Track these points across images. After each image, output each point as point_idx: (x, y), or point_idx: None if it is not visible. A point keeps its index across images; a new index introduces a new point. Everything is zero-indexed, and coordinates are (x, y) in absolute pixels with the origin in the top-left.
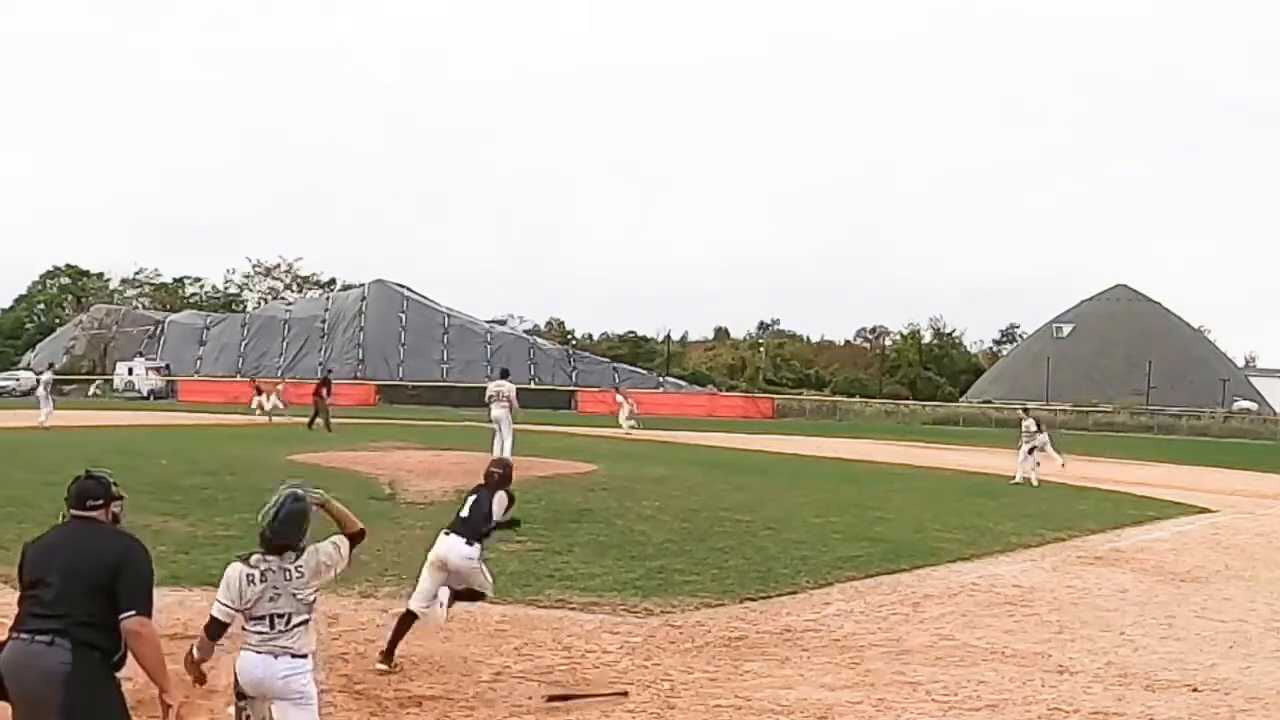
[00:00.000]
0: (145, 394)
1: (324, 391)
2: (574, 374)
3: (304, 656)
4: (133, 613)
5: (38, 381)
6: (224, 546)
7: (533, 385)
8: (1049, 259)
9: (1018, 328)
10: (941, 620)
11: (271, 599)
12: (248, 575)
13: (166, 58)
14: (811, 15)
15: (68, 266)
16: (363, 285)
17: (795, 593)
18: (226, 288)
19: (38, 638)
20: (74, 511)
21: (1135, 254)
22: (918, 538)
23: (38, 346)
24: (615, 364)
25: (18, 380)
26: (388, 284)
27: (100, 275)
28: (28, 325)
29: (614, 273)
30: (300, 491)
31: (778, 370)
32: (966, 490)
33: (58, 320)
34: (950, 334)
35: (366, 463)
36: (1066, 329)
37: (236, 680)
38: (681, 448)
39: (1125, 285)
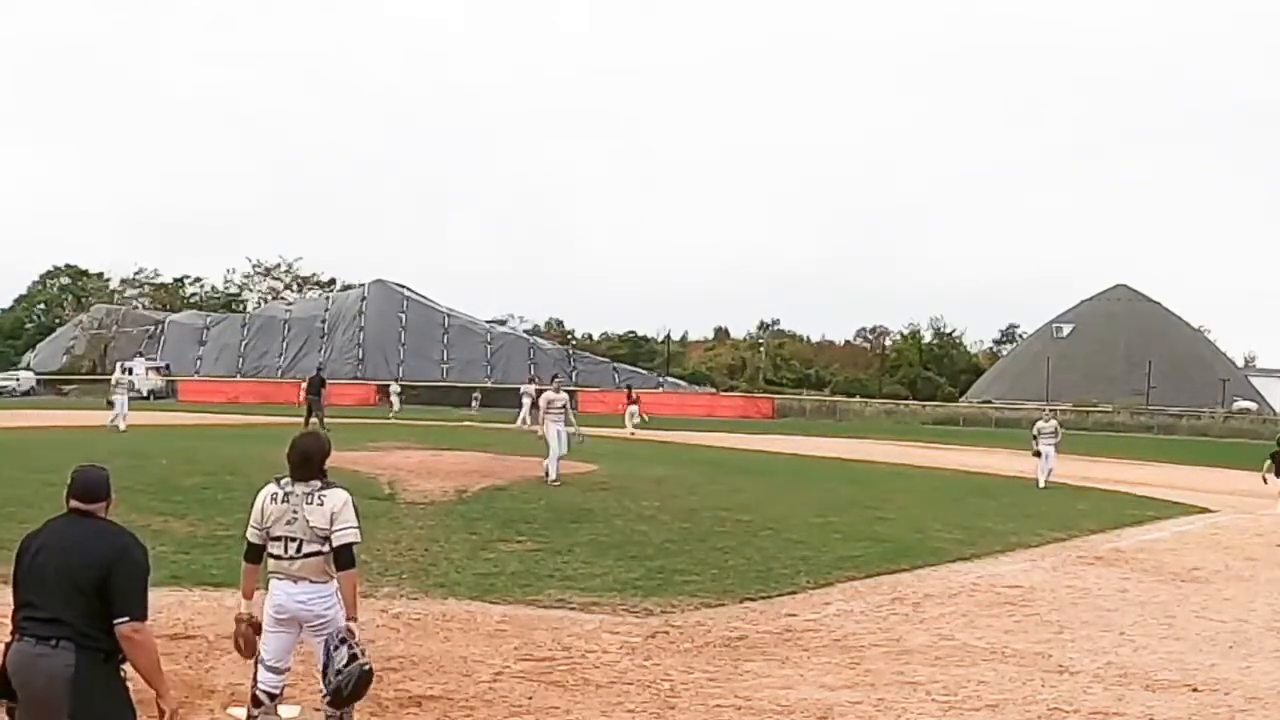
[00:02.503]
0: (145, 394)
1: (318, 391)
2: (574, 374)
3: (322, 582)
4: (125, 618)
5: (118, 383)
6: (224, 546)
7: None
8: (1049, 259)
9: (1018, 328)
10: (941, 620)
11: (289, 522)
12: (272, 494)
13: (166, 58)
14: (811, 15)
15: (68, 266)
16: (363, 285)
17: (795, 593)
18: (226, 288)
19: (40, 641)
20: (74, 504)
21: (1135, 254)
22: (918, 538)
23: (38, 346)
24: (615, 364)
25: (18, 380)
26: (388, 284)
27: (100, 275)
28: (28, 325)
29: (614, 273)
30: (322, 434)
31: (778, 370)
32: (966, 490)
33: (58, 320)
34: (950, 334)
35: (366, 463)
36: (1066, 329)
37: (253, 687)
38: (681, 448)
39: (1125, 285)
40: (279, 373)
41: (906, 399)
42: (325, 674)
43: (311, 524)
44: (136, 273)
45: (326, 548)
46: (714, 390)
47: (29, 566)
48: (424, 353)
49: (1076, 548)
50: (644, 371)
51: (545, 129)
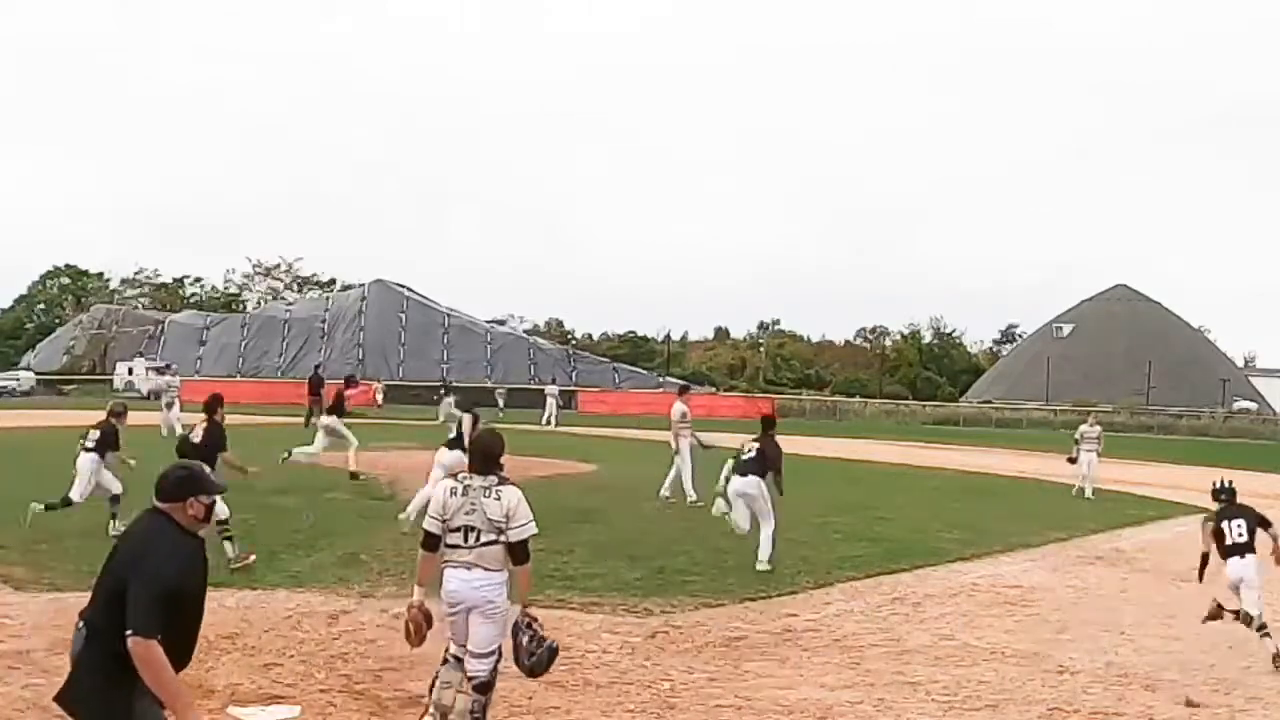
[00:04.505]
0: (145, 394)
1: (318, 391)
2: (574, 374)
3: (494, 571)
4: (129, 631)
5: (166, 386)
6: (224, 547)
7: (533, 385)
8: (1049, 259)
9: (1017, 328)
10: (941, 620)
11: (468, 513)
12: (452, 488)
13: (166, 58)
14: (811, 17)
15: (68, 266)
16: (363, 285)
17: (795, 593)
18: (226, 288)
19: (79, 621)
20: (154, 500)
21: (1135, 254)
22: (918, 538)
23: (38, 346)
24: (615, 364)
25: (18, 380)
26: (388, 284)
27: (100, 275)
28: (28, 325)
29: (614, 273)
30: (496, 432)
31: (778, 370)
32: (966, 490)
33: (58, 320)
34: (950, 334)
35: (366, 463)
36: (1066, 329)
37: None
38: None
39: (1125, 285)
40: (279, 373)
41: (906, 399)
42: (517, 658)
43: (489, 516)
44: (136, 273)
45: (501, 538)
46: (714, 390)
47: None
48: (424, 353)
49: (1076, 548)
50: (644, 371)
51: (545, 129)
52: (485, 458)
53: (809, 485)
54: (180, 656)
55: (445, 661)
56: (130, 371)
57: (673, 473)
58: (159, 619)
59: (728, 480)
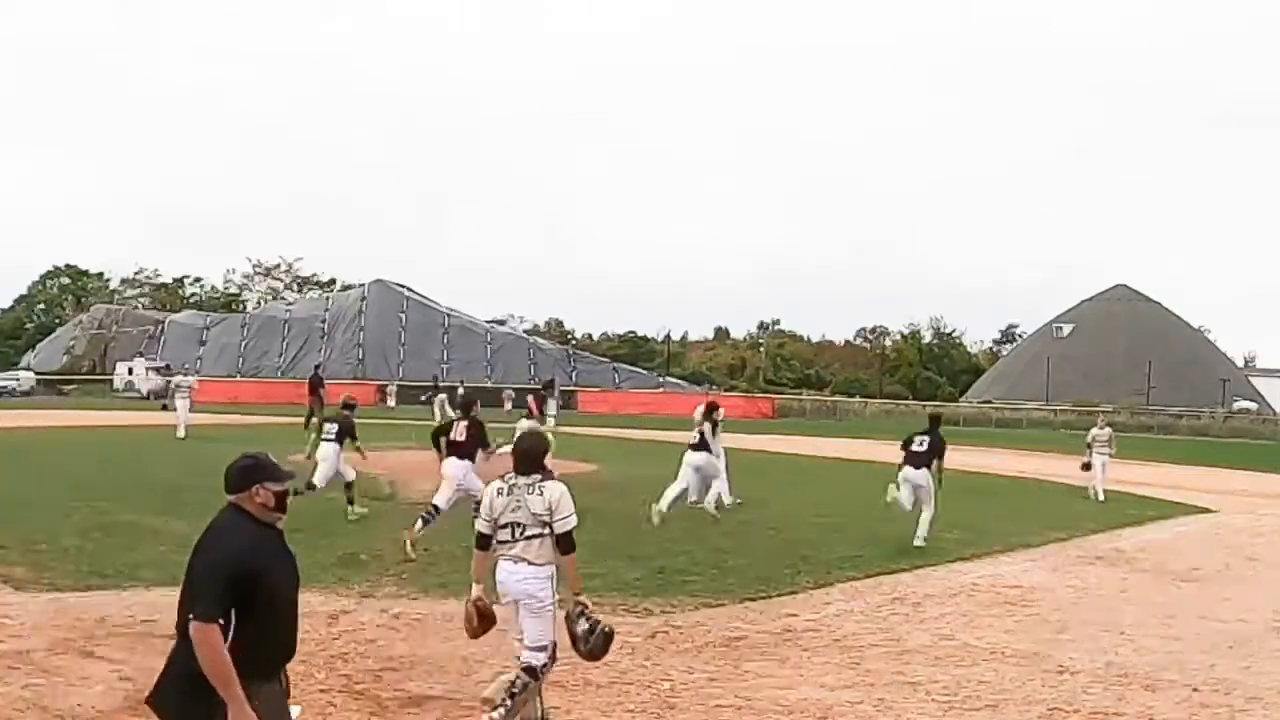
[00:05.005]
0: (145, 394)
1: (320, 390)
2: (574, 374)
3: (540, 565)
4: (190, 616)
5: (178, 387)
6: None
7: (532, 385)
8: (1049, 259)
9: (1017, 328)
10: (941, 620)
11: (514, 510)
12: (499, 489)
13: (166, 58)
14: (811, 17)
15: (68, 266)
16: (363, 285)
17: (795, 593)
18: (226, 288)
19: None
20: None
21: (1135, 254)
22: None
23: (38, 346)
24: (615, 364)
25: (18, 380)
26: (388, 284)
27: (100, 275)
28: (28, 325)
29: (614, 273)
30: (538, 431)
31: (778, 370)
32: (966, 490)
33: (58, 320)
34: (950, 334)
35: (366, 463)
36: (1066, 329)
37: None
38: (682, 447)
39: (1125, 285)
40: (279, 373)
41: (906, 399)
42: (574, 643)
43: (532, 511)
44: (136, 273)
45: (546, 532)
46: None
47: None
48: (424, 353)
49: (1076, 548)
50: (644, 371)
51: (545, 129)
52: (528, 459)
53: (809, 485)
54: (279, 653)
55: (535, 677)
56: (130, 371)
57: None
58: (218, 602)
59: (900, 469)
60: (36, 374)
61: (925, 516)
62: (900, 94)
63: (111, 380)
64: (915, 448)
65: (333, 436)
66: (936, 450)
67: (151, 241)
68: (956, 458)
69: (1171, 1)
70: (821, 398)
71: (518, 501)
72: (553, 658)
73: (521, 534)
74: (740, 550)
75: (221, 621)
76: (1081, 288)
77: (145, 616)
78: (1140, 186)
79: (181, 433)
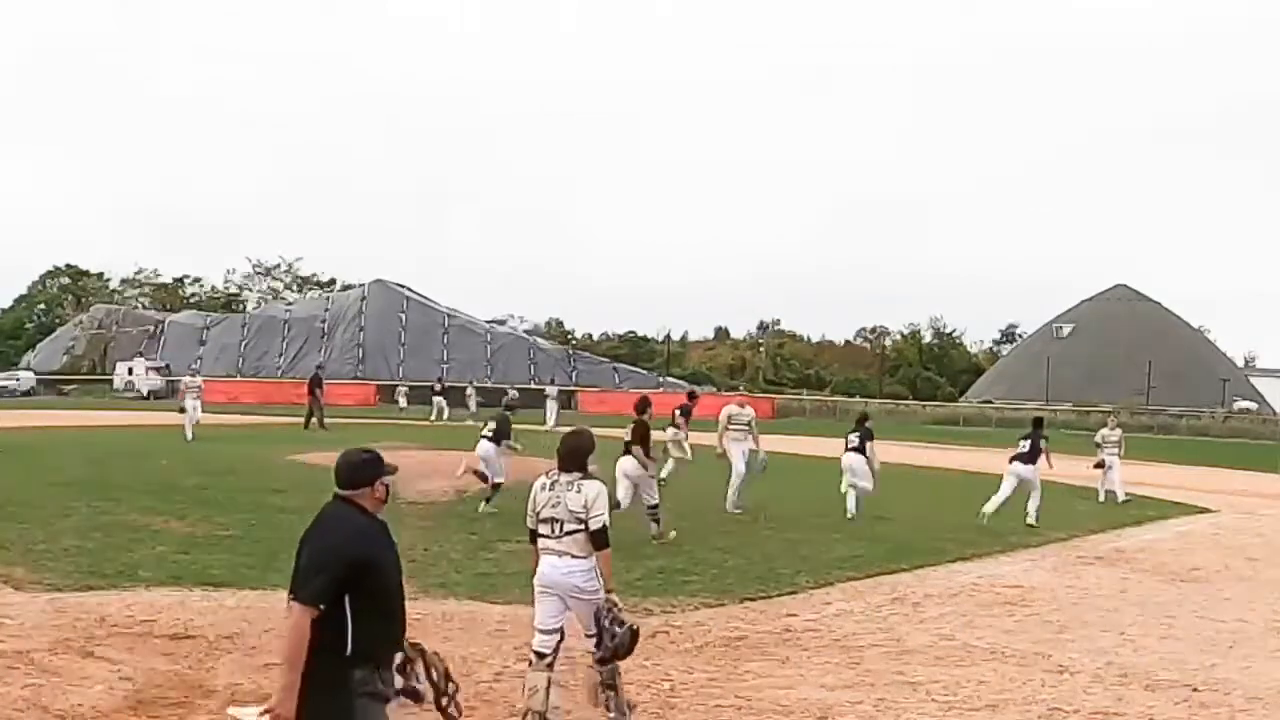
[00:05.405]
0: (145, 394)
1: (317, 390)
2: (574, 374)
3: (583, 558)
4: (291, 596)
5: (185, 386)
6: (224, 547)
7: (533, 385)
8: (1049, 259)
9: (1017, 328)
10: (941, 620)
11: (554, 505)
12: (542, 484)
13: (166, 58)
14: (811, 17)
15: (68, 266)
16: (363, 285)
17: (795, 593)
18: (226, 288)
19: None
20: (336, 489)
21: (1135, 254)
22: (918, 538)
23: (38, 346)
24: (615, 364)
25: (18, 380)
26: (388, 284)
27: (100, 275)
28: (28, 325)
29: (614, 273)
30: (584, 430)
31: (778, 370)
32: (967, 490)
33: (58, 320)
34: (950, 334)
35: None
36: (1066, 329)
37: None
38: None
39: (1125, 285)
40: (279, 373)
41: (906, 399)
42: (599, 640)
43: (570, 507)
44: (136, 273)
45: (583, 528)
46: (715, 390)
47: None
48: (424, 353)
49: (1076, 548)
50: (644, 371)
51: (545, 129)
52: (571, 456)
53: (809, 485)
54: (392, 636)
55: (530, 664)
56: (130, 371)
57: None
58: (323, 591)
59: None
60: (36, 374)
61: (1033, 503)
62: (900, 94)
63: (111, 380)
64: (1021, 450)
65: (491, 435)
66: (1039, 450)
67: (151, 241)
68: (956, 457)
69: (1172, 1)
70: (821, 398)
71: (557, 498)
72: (561, 639)
73: (561, 529)
74: (740, 550)
75: (320, 609)
76: (1081, 288)
77: (145, 616)
78: (1140, 186)
79: (189, 435)
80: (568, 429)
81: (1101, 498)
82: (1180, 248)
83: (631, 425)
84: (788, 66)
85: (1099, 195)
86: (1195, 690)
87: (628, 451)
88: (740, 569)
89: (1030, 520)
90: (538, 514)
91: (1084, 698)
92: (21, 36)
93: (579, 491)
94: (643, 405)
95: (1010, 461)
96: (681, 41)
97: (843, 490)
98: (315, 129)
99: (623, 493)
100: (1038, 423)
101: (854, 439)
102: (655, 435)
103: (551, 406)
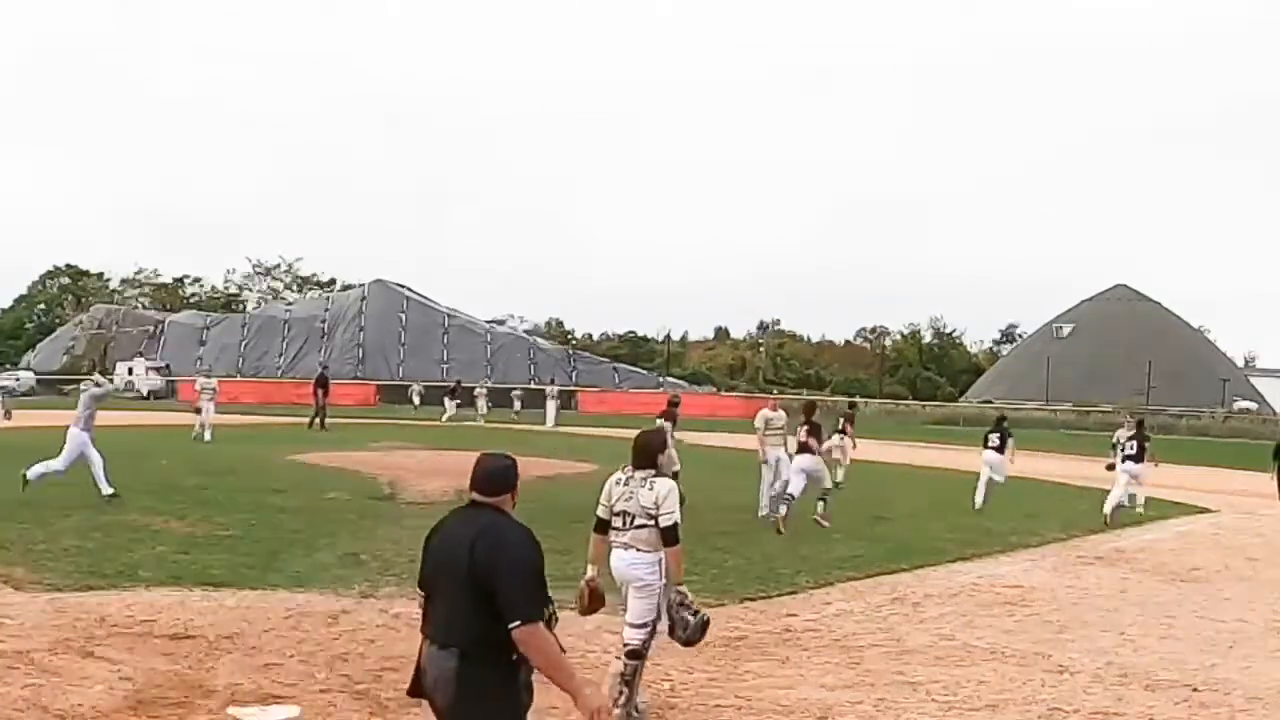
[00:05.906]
0: (145, 394)
1: (321, 390)
2: (574, 374)
3: (648, 552)
4: (516, 622)
5: (200, 388)
6: (224, 547)
7: (533, 385)
8: (1049, 259)
9: (1017, 328)
10: (941, 620)
11: (626, 500)
12: (617, 479)
13: (166, 58)
14: (811, 17)
15: (68, 266)
16: (363, 285)
17: (795, 593)
18: (226, 288)
19: (433, 641)
20: (473, 495)
21: (1135, 254)
22: (918, 538)
23: (38, 346)
24: (615, 364)
25: (18, 380)
26: (388, 284)
27: (100, 275)
28: (28, 325)
29: (614, 273)
30: (658, 430)
31: (778, 370)
32: (967, 490)
33: (58, 320)
34: (950, 334)
35: (366, 463)
36: (1066, 329)
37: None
38: (681, 447)
39: (1125, 285)
40: (279, 373)
41: (906, 399)
42: (673, 630)
43: (642, 503)
44: (136, 273)
45: (652, 523)
46: (715, 390)
47: (422, 563)
48: (424, 353)
49: (1076, 548)
50: (644, 371)
51: (545, 129)
52: (643, 453)
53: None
54: None
55: (633, 657)
56: (130, 371)
57: (765, 484)
58: (540, 602)
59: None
60: (36, 374)
61: (1128, 494)
62: (900, 94)
63: (111, 380)
64: (1126, 451)
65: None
66: (1146, 451)
67: (151, 241)
68: (956, 458)
69: (1172, 1)
70: (822, 398)
71: (630, 493)
72: (652, 634)
73: (631, 523)
74: (740, 550)
75: (544, 618)
76: (1081, 288)
77: (145, 616)
78: (1140, 186)
79: (208, 435)
80: (567, 429)
81: (1141, 503)
82: (1180, 248)
83: (804, 425)
84: (788, 66)
85: (1099, 195)
86: (1195, 690)
87: (803, 449)
88: (740, 569)
89: (1115, 507)
90: (611, 506)
91: (1084, 698)
92: (21, 36)
93: (651, 488)
94: (1141, 422)
95: (1125, 461)
96: (681, 41)
97: (980, 483)
98: (315, 129)
99: (796, 486)
100: (1142, 423)
101: (994, 439)
102: None
103: (551, 406)
